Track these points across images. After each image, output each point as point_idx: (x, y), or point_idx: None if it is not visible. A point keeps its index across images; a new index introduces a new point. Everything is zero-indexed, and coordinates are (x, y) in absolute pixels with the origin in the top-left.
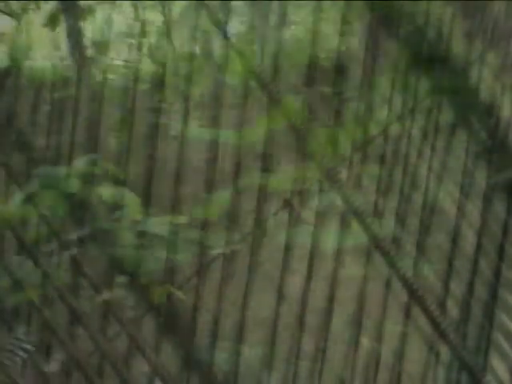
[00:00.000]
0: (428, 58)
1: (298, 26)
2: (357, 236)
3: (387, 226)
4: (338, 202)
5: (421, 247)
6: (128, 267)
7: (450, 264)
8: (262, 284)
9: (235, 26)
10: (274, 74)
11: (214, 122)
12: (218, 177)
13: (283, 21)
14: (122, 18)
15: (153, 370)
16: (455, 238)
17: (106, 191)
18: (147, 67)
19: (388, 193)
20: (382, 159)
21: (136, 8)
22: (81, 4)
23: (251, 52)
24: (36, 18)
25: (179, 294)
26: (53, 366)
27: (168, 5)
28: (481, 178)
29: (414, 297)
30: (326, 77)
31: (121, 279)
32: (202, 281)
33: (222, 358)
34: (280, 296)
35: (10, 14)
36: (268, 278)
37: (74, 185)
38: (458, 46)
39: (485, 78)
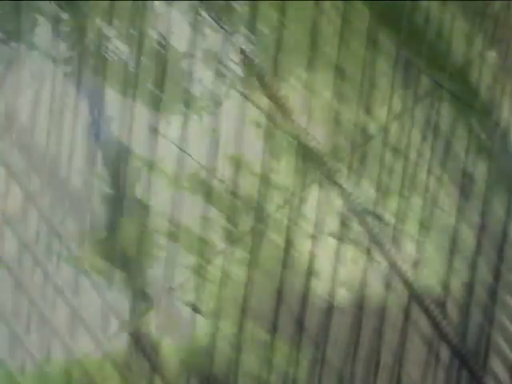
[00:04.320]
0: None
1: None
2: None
3: (387, 225)
4: (338, 201)
5: (421, 246)
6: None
7: (450, 264)
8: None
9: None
10: (274, 72)
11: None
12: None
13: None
14: None
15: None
16: (455, 238)
17: None
18: None
19: (388, 192)
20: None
21: None
22: None
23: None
24: None
25: None
26: None
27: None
28: (481, 178)
29: (414, 296)
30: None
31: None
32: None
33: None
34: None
35: None
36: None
37: None
38: (458, 46)
39: (485, 78)
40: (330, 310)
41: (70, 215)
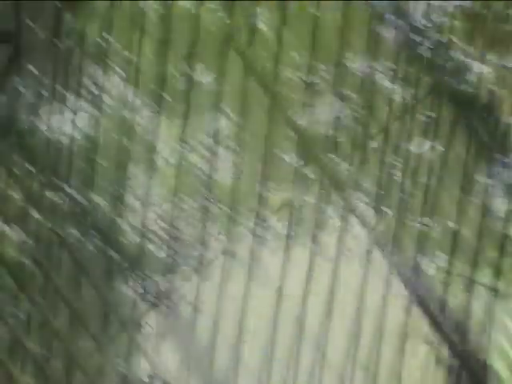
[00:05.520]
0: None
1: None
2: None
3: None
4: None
5: (421, 246)
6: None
7: (450, 263)
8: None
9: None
10: (274, 73)
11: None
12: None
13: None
14: None
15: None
16: (455, 238)
17: None
18: None
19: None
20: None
21: None
22: None
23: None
24: None
25: None
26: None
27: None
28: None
29: (414, 297)
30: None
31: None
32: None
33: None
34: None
35: None
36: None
37: None
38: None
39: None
40: (329, 307)
41: None
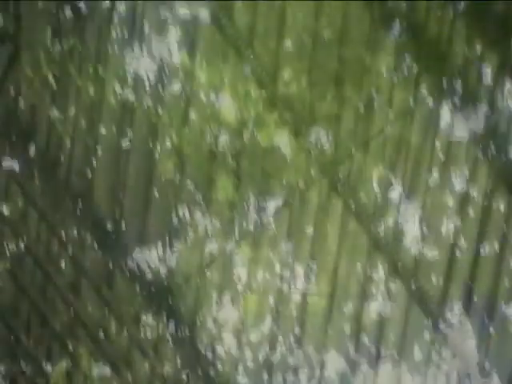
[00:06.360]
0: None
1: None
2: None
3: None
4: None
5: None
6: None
7: (451, 262)
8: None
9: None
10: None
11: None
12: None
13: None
14: None
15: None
16: (455, 238)
17: None
18: None
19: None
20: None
21: None
22: None
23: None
24: None
25: None
26: None
27: None
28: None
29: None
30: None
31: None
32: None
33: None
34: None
35: None
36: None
37: None
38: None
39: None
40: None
41: None
